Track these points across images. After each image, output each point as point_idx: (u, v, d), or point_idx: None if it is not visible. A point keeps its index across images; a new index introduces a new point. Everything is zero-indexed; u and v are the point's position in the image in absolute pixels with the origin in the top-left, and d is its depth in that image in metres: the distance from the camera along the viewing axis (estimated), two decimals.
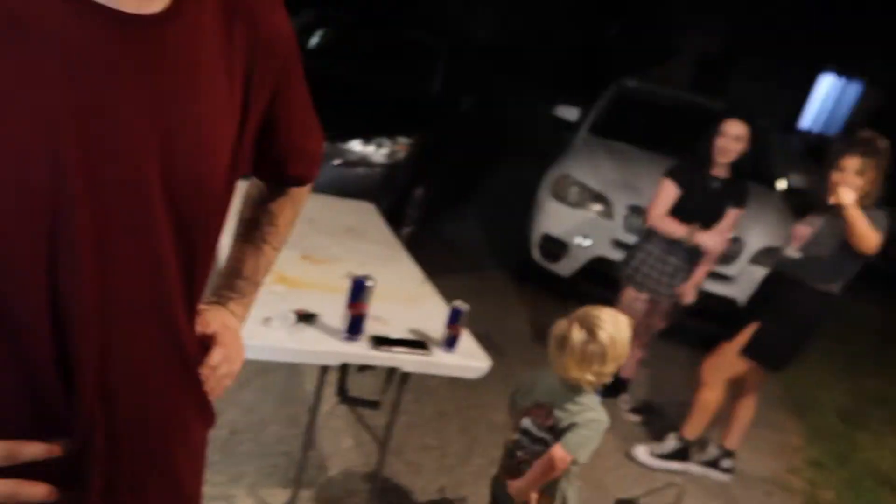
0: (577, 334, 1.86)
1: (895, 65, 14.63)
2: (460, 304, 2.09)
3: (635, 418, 3.59)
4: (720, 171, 3.24)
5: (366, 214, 3.25)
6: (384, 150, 4.24)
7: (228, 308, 1.03)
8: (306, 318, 2.04)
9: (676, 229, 3.23)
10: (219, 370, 0.92)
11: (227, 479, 2.37)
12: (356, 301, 1.98)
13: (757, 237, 4.33)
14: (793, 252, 2.97)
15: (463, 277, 2.10)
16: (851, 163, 2.76)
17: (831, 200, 2.75)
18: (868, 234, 2.72)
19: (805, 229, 2.95)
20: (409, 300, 2.41)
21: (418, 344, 2.08)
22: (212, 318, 0.98)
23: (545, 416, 1.92)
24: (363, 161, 4.17)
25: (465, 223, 6.11)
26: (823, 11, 13.19)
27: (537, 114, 9.39)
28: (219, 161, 0.76)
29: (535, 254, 4.65)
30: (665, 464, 3.19)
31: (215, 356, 0.92)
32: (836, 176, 2.79)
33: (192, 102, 0.72)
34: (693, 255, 3.30)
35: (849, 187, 2.72)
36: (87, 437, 0.71)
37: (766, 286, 3.12)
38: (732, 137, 3.15)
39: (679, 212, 3.25)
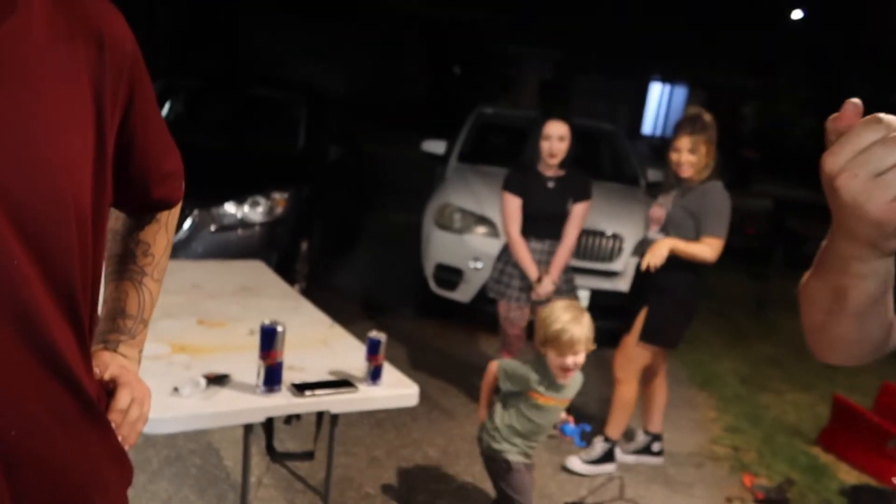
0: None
1: (710, 67, 16.25)
2: (376, 334, 2.03)
3: (554, 432, 3.58)
4: (552, 171, 3.39)
5: (256, 271, 3.12)
6: (261, 209, 4.11)
7: (119, 352, 0.94)
8: (217, 380, 1.90)
9: (525, 264, 3.36)
10: (130, 414, 0.85)
11: None
12: (269, 349, 1.86)
13: (633, 231, 4.56)
14: (654, 235, 3.14)
15: (366, 322, 2.05)
16: (683, 142, 3.00)
17: (643, 266, 2.99)
18: (702, 253, 2.98)
19: (659, 211, 3.12)
20: (321, 343, 2.31)
21: (343, 383, 1.99)
22: (107, 361, 0.90)
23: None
24: (241, 223, 4.02)
25: (355, 271, 6.03)
26: (643, 28, 14.46)
27: (403, 156, 9.54)
28: (76, 179, 0.68)
29: (433, 285, 4.64)
30: (599, 468, 3.21)
31: (122, 398, 0.85)
32: (674, 156, 3.03)
33: (25, 118, 0.64)
34: (549, 257, 3.42)
35: (688, 164, 2.96)
36: None
37: (642, 273, 3.26)
38: (556, 137, 3.31)
39: (526, 217, 3.38)
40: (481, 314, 4.80)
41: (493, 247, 4.43)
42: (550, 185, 3.38)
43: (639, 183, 5.53)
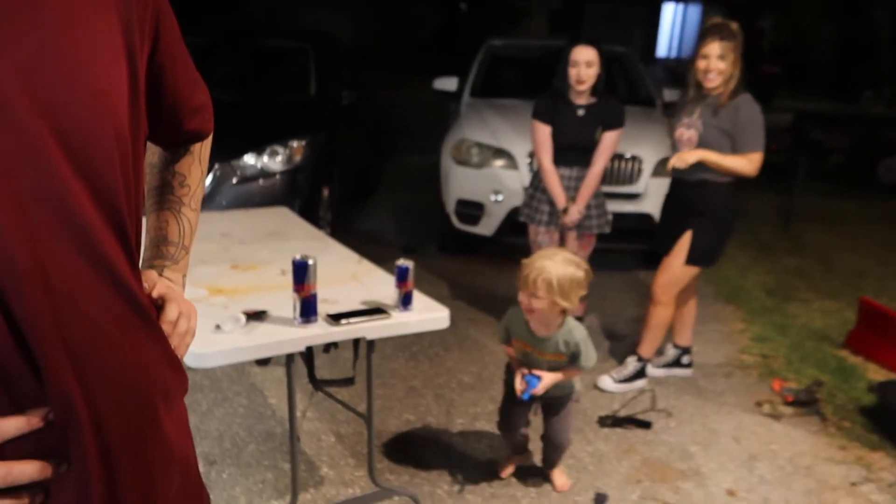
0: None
1: None
2: (404, 262, 2.09)
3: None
4: (581, 98, 3.36)
5: (282, 217, 3.18)
6: (280, 158, 4.16)
7: (164, 276, 0.99)
8: (256, 315, 1.98)
9: (555, 194, 3.39)
10: (179, 326, 0.90)
11: None
12: (302, 282, 1.93)
13: (651, 152, 4.54)
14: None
15: (391, 263, 2.11)
16: (712, 48, 2.93)
17: (670, 166, 2.97)
18: (742, 167, 2.93)
19: (688, 132, 3.06)
20: (351, 278, 2.38)
21: (376, 311, 2.06)
22: (154, 279, 0.95)
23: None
24: (262, 173, 4.08)
25: (377, 214, 6.10)
26: None
27: (416, 99, 9.47)
28: (114, 104, 0.72)
29: (455, 221, 4.70)
30: (630, 385, 3.28)
31: (171, 311, 0.90)
32: (701, 64, 2.96)
33: (68, 44, 0.68)
34: (578, 182, 3.43)
35: (716, 72, 2.90)
36: (67, 406, 0.67)
37: (675, 195, 3.26)
38: (584, 63, 3.26)
39: (556, 145, 3.38)
40: (505, 246, 4.86)
41: (513, 179, 4.47)
42: (580, 112, 3.36)
43: (654, 104, 5.46)
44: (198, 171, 1.05)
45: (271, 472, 2.51)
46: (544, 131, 3.38)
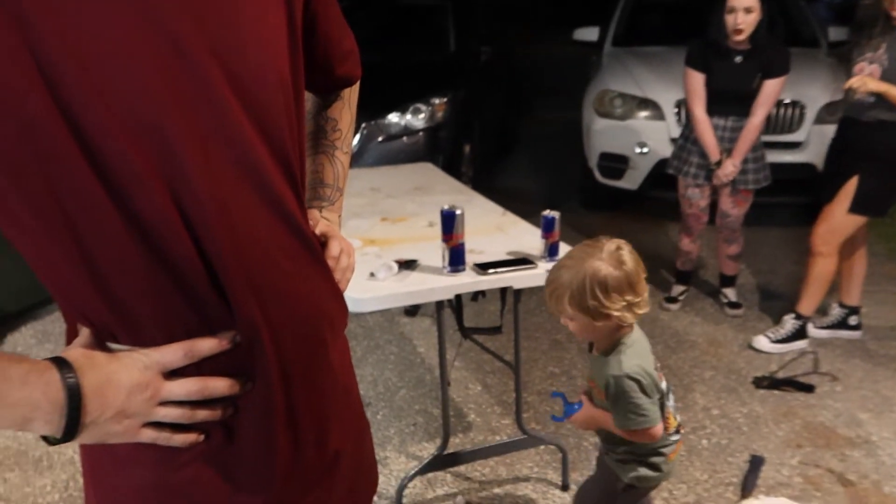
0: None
1: None
2: (550, 213, 2.06)
3: (734, 312, 3.46)
4: (740, 44, 3.09)
5: (426, 172, 3.25)
6: (423, 115, 4.23)
7: (322, 216, 1.04)
8: (407, 264, 2.05)
9: (708, 146, 3.17)
10: (340, 262, 0.94)
11: (374, 445, 2.41)
12: (450, 232, 1.97)
13: (815, 97, 4.16)
14: (864, 96, 2.79)
15: (534, 218, 2.10)
16: None
17: (847, 86, 2.69)
18: None
19: (870, 68, 2.76)
20: (496, 229, 2.39)
21: (523, 261, 2.07)
22: (316, 217, 1.00)
23: None
24: (405, 130, 4.18)
25: (518, 170, 6.08)
26: None
27: (556, 53, 9.24)
28: (277, 53, 0.76)
29: (598, 176, 4.58)
30: (788, 346, 3.08)
31: (333, 247, 0.94)
32: (887, 3, 2.65)
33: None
34: (733, 134, 3.19)
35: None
36: (251, 330, 0.72)
37: (844, 138, 2.97)
38: (742, 10, 2.99)
39: (711, 95, 3.16)
40: (651, 200, 4.69)
41: (659, 130, 4.27)
42: (737, 59, 3.12)
43: (819, 44, 4.98)
44: (348, 116, 1.08)
45: (422, 416, 2.61)
46: (697, 79, 3.18)
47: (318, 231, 0.95)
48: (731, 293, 3.52)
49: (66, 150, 0.60)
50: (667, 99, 4.27)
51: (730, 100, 3.15)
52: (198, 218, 0.67)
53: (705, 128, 3.18)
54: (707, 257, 3.96)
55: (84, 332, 0.70)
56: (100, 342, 0.69)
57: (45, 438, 0.66)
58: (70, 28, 0.59)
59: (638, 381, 1.46)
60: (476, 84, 5.08)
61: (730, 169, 3.16)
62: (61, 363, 0.64)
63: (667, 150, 4.18)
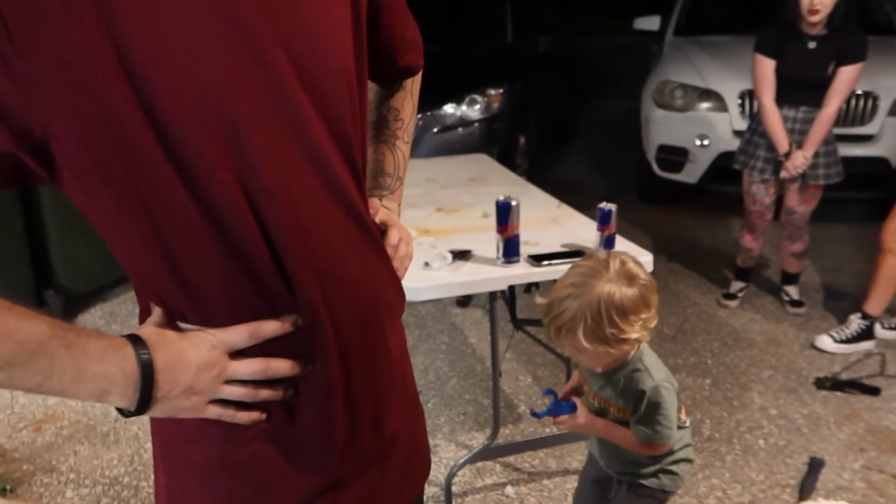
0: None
1: None
2: (607, 205, 2.04)
3: (796, 311, 3.35)
4: (814, 28, 2.96)
5: (481, 163, 3.25)
6: (478, 106, 4.23)
7: (383, 205, 1.05)
8: (462, 254, 2.06)
9: (777, 136, 3.04)
10: (399, 250, 0.95)
11: None
12: (505, 223, 1.97)
13: (890, 87, 3.98)
14: None
15: (590, 212, 2.08)
16: None
17: None
18: None
19: None
20: (551, 221, 2.38)
21: (577, 253, 2.05)
22: (377, 206, 1.01)
23: None
24: (461, 122, 4.18)
25: (574, 162, 6.01)
26: None
27: (614, 42, 9.09)
28: (342, 46, 0.77)
29: (656, 168, 4.49)
30: (854, 346, 2.97)
31: (392, 235, 0.95)
32: None
33: None
34: (804, 126, 3.06)
35: None
36: (313, 314, 0.75)
37: None
38: None
39: (780, 81, 3.04)
40: (711, 195, 4.58)
41: (721, 122, 4.16)
42: (811, 45, 3.00)
43: (894, 32, 4.75)
44: (410, 106, 1.09)
45: (472, 405, 2.63)
46: (767, 66, 3.06)
47: (377, 219, 0.96)
48: (793, 291, 3.41)
49: (145, 140, 0.63)
50: (730, 90, 4.16)
51: (801, 88, 3.03)
52: (264, 205, 0.69)
53: (774, 118, 3.07)
54: (769, 254, 3.85)
55: (157, 312, 0.73)
56: (171, 322, 0.73)
57: (119, 410, 0.70)
58: (151, 25, 0.62)
59: (671, 390, 1.40)
60: (533, 75, 5.04)
61: (800, 161, 3.04)
62: (136, 340, 0.67)
63: (729, 143, 4.07)
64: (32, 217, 3.15)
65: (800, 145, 3.04)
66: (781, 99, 3.06)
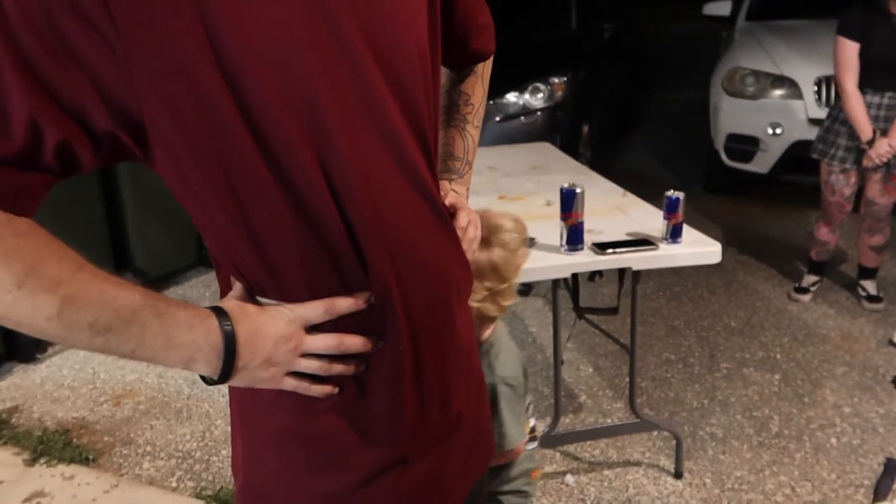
0: None
1: None
2: (674, 193, 2.00)
3: (873, 307, 3.20)
4: None
5: (544, 151, 3.23)
6: (541, 95, 4.19)
7: (452, 188, 1.06)
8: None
9: (859, 123, 2.90)
10: (468, 233, 0.96)
11: None
12: (569, 210, 1.96)
13: None
14: None
15: (656, 202, 2.05)
16: None
17: None
18: None
19: None
20: (616, 210, 2.35)
21: (643, 242, 2.02)
22: (447, 188, 1.03)
23: None
24: (523, 110, 4.16)
25: (639, 151, 5.91)
26: None
27: (683, 29, 8.86)
28: (417, 31, 0.78)
29: (725, 158, 4.37)
30: None
31: (461, 218, 0.96)
32: None
33: None
34: (889, 112, 2.91)
35: None
36: (385, 292, 0.76)
37: None
38: None
39: (865, 65, 2.90)
40: (782, 185, 4.43)
41: (796, 109, 4.01)
42: None
43: None
44: (480, 90, 1.10)
45: (532, 394, 2.60)
46: (851, 49, 2.92)
47: (447, 202, 0.97)
48: (870, 286, 3.27)
49: (231, 120, 0.66)
50: (806, 76, 4.00)
51: (886, 72, 2.88)
52: (341, 183, 0.71)
53: (857, 103, 2.93)
54: (845, 246, 3.70)
55: (237, 286, 0.76)
56: (251, 296, 0.75)
57: (203, 379, 0.73)
58: (239, 11, 0.65)
59: (514, 389, 1.27)
60: (597, 63, 4.96)
61: (884, 149, 2.88)
62: (220, 312, 0.70)
63: (804, 132, 3.93)
64: (112, 203, 3.30)
65: (884, 133, 2.90)
66: (865, 84, 2.92)
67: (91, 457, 2.33)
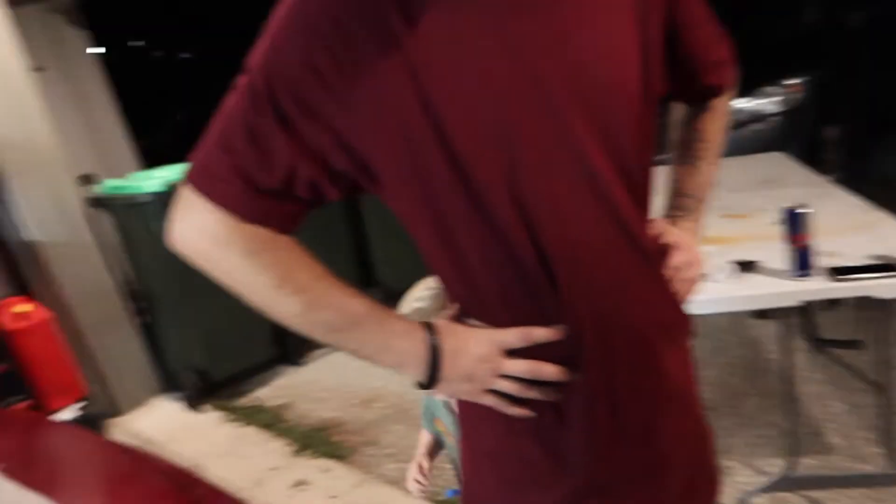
0: None
1: None
2: None
3: None
4: None
5: (777, 162, 3.03)
6: (775, 98, 3.91)
7: (679, 226, 1.06)
8: (746, 265, 1.98)
9: None
10: (682, 272, 0.95)
11: (718, 452, 2.36)
12: (796, 233, 1.85)
13: None
14: None
15: None
16: None
17: None
18: None
19: None
20: (859, 228, 2.15)
21: (889, 267, 1.84)
22: (668, 229, 1.02)
23: None
24: (755, 117, 3.92)
25: None
26: None
27: None
28: (625, 72, 0.82)
29: None
30: None
31: (676, 258, 0.96)
32: None
33: (591, 13, 0.80)
34: None
35: None
36: (578, 325, 0.81)
37: None
38: None
39: None
40: None
41: None
42: None
43: None
44: (716, 127, 1.08)
45: (772, 428, 2.46)
46: None
47: (664, 240, 0.97)
48: None
49: (438, 161, 0.77)
50: None
51: None
52: (535, 220, 0.78)
53: None
54: None
55: (454, 307, 0.87)
56: (461, 317, 0.86)
57: (418, 385, 0.86)
58: (446, 67, 0.75)
59: None
60: (843, 58, 4.48)
61: None
62: (429, 327, 0.83)
63: None
64: (357, 226, 3.74)
65: None
66: None
67: (343, 454, 2.67)
